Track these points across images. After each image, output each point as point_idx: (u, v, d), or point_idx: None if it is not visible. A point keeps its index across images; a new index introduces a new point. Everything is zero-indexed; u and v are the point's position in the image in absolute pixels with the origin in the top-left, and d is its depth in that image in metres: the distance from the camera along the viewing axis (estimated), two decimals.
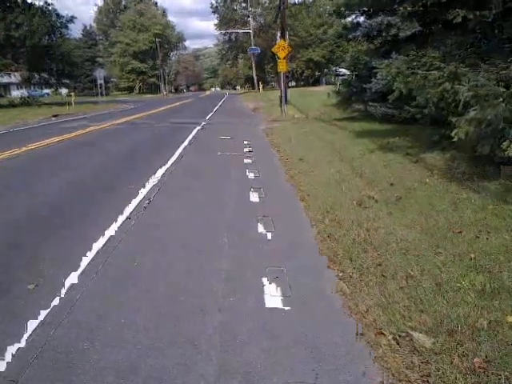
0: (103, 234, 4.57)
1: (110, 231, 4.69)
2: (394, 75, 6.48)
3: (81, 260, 3.93)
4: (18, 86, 52.89)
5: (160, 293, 3.36)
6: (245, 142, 11.31)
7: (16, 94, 49.82)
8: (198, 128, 15.23)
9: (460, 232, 4.09)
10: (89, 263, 3.89)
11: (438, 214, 4.60)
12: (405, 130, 10.28)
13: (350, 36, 11.17)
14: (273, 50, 22.77)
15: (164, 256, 4.05)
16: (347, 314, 3.00)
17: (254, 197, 6.03)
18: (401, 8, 10.14)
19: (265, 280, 3.52)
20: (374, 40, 11.59)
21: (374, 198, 5.41)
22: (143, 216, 5.26)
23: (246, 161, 8.77)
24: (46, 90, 64.31)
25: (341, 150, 8.87)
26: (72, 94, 36.19)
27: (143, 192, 6.35)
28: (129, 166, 8.70)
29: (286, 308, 3.11)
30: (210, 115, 22.32)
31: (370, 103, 11.37)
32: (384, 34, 10.90)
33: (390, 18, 9.98)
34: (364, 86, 11.13)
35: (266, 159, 9.02)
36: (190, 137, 12.74)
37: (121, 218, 5.12)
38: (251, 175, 7.40)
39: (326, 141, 10.28)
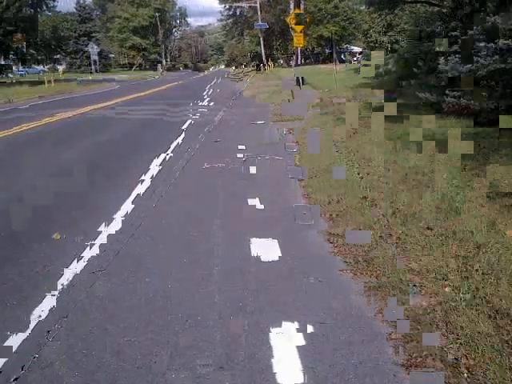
0: None
1: None
2: None
3: None
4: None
5: None
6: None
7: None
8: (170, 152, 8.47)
9: None
10: None
11: None
12: None
13: None
14: (287, 20, 18.72)
15: None
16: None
17: None
18: None
19: None
20: None
21: None
22: None
23: None
24: (41, 67, 59.97)
25: None
26: (61, 70, 32.27)
27: None
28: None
29: None
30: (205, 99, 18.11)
31: (449, 91, 7.25)
32: None
33: None
34: (440, 65, 7.04)
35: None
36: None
37: None
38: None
39: None
